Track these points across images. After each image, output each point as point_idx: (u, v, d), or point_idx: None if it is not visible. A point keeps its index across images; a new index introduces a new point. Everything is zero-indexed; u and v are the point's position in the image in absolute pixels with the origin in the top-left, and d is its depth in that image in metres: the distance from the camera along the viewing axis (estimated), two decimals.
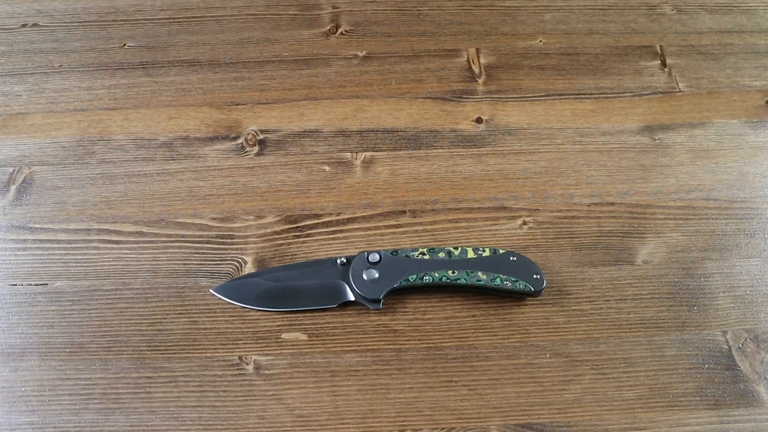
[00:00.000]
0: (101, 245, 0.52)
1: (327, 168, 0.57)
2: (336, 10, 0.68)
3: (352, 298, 0.49)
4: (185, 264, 0.51)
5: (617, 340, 0.48)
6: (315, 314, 0.49)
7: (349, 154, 0.58)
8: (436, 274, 0.49)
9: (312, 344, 0.48)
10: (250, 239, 0.53)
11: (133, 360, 0.47)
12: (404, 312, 0.49)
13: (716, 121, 0.60)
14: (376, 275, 0.49)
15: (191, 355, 0.47)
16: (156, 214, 0.54)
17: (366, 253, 0.50)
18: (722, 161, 0.58)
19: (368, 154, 0.58)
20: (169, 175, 0.56)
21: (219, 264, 0.51)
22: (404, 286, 0.49)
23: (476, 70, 0.63)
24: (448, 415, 0.45)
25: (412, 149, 0.58)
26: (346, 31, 0.66)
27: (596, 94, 0.62)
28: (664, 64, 0.64)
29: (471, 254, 0.49)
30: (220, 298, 0.50)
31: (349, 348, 0.48)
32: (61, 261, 0.52)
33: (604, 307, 0.50)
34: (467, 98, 0.61)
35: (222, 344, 0.48)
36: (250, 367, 0.47)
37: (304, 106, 0.61)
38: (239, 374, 0.47)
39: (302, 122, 0.60)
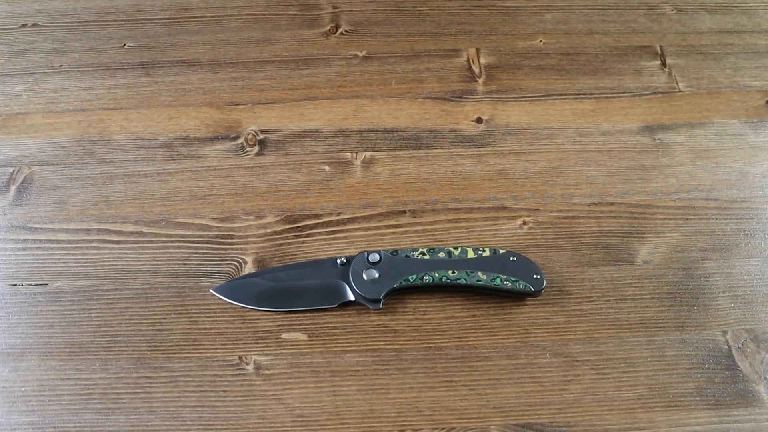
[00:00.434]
0: (101, 245, 0.52)
1: (327, 168, 0.57)
2: (336, 10, 0.68)
3: (352, 298, 0.49)
4: (185, 264, 0.51)
5: (617, 340, 0.48)
6: (315, 314, 0.49)
7: (349, 154, 0.58)
8: (436, 274, 0.49)
9: (312, 344, 0.48)
10: (250, 239, 0.53)
11: (133, 360, 0.47)
12: (404, 312, 0.49)
13: (716, 121, 0.60)
14: (376, 275, 0.49)
15: (191, 355, 0.47)
16: (156, 214, 0.54)
17: (366, 253, 0.50)
18: (722, 161, 0.58)
19: (368, 154, 0.58)
20: (169, 175, 0.56)
21: (219, 264, 0.51)
22: (404, 286, 0.49)
23: (476, 70, 0.63)
24: (448, 415, 0.45)
25: (412, 149, 0.58)
26: (346, 31, 0.66)
27: (596, 94, 0.62)
28: (664, 64, 0.64)
29: (471, 254, 0.49)
30: (220, 298, 0.50)
31: (349, 348, 0.48)
32: (61, 261, 0.52)
33: (604, 307, 0.50)
34: (467, 98, 0.61)
35: (222, 344, 0.48)
36: (250, 367, 0.47)
37: (304, 106, 0.61)
38: (239, 374, 0.47)
39: (302, 122, 0.60)
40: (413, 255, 0.49)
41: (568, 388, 0.46)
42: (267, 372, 0.47)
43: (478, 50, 0.65)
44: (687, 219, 0.54)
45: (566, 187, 0.56)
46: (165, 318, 0.49)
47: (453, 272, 0.49)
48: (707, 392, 0.46)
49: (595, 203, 0.55)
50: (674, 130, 0.60)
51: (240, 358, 0.47)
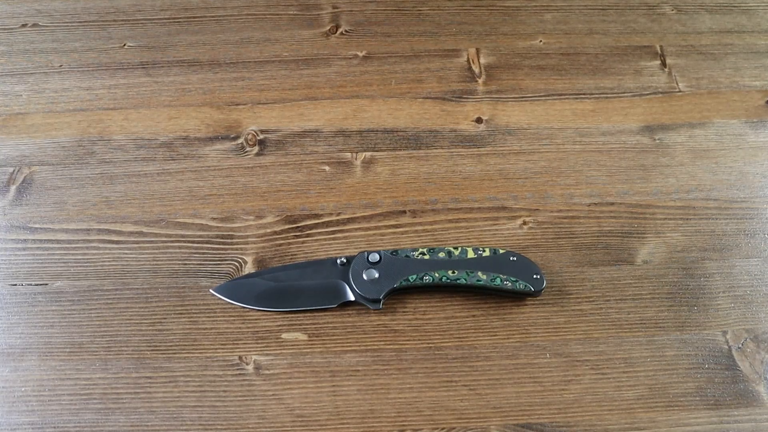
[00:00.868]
0: (101, 245, 0.52)
1: (327, 168, 0.57)
2: (336, 10, 0.68)
3: (352, 298, 0.49)
4: (185, 264, 0.51)
5: (617, 340, 0.48)
6: (315, 314, 0.49)
7: (349, 154, 0.58)
8: (436, 274, 0.49)
9: (312, 344, 0.48)
10: (250, 239, 0.53)
11: (133, 360, 0.47)
12: (404, 312, 0.49)
13: (716, 121, 0.60)
14: (376, 275, 0.49)
15: (191, 355, 0.47)
16: (156, 214, 0.54)
17: (366, 253, 0.50)
18: (722, 161, 0.58)
19: (368, 154, 0.58)
20: (169, 175, 0.56)
21: (219, 264, 0.51)
22: (404, 286, 0.49)
23: (476, 70, 0.63)
24: (448, 415, 0.45)
25: (412, 149, 0.58)
26: (346, 31, 0.66)
27: (596, 94, 0.62)
28: (664, 64, 0.64)
29: (471, 254, 0.49)
30: (220, 298, 0.50)
31: (349, 348, 0.48)
32: (61, 261, 0.52)
33: (604, 307, 0.50)
34: (467, 98, 0.61)
35: (222, 344, 0.48)
36: (250, 367, 0.47)
37: (304, 106, 0.61)
38: (239, 374, 0.47)
39: (302, 122, 0.60)
40: (413, 255, 0.49)
41: (568, 388, 0.46)
42: (267, 372, 0.47)
43: (478, 50, 0.65)
44: (687, 219, 0.54)
45: (566, 187, 0.56)
46: (165, 318, 0.49)
47: (453, 272, 0.49)
48: (707, 392, 0.46)
49: (595, 203, 0.55)
50: (674, 130, 0.60)
51: (240, 358, 0.47)
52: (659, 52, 0.65)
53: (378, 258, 0.49)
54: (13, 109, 0.60)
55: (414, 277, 0.48)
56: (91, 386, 0.46)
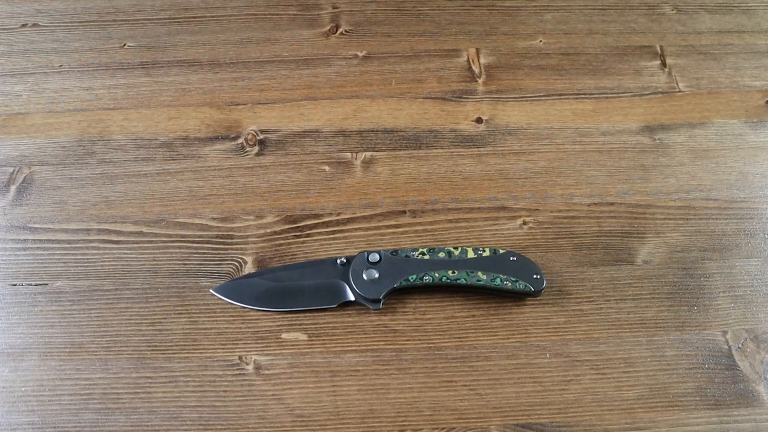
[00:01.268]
0: (101, 245, 0.52)
1: (327, 168, 0.57)
2: (336, 10, 0.68)
3: (352, 298, 0.49)
4: (185, 264, 0.51)
5: (617, 340, 0.48)
6: (315, 314, 0.49)
7: (349, 154, 0.58)
8: (436, 274, 0.49)
9: (312, 344, 0.48)
10: (250, 239, 0.53)
11: (133, 360, 0.47)
12: (404, 312, 0.49)
13: (716, 121, 0.60)
14: (376, 275, 0.49)
15: (191, 355, 0.47)
16: (156, 214, 0.54)
17: (366, 253, 0.50)
18: (722, 161, 0.58)
19: (368, 154, 0.58)
20: (169, 175, 0.56)
21: (219, 264, 0.51)
22: (404, 286, 0.49)
23: (476, 70, 0.63)
24: (448, 415, 0.45)
25: (412, 149, 0.58)
26: (346, 31, 0.66)
27: (596, 94, 0.62)
28: (664, 64, 0.64)
29: (471, 254, 0.49)
30: (220, 298, 0.50)
31: (349, 348, 0.48)
32: (61, 261, 0.52)
33: (604, 307, 0.50)
34: (467, 98, 0.61)
35: (222, 344, 0.48)
36: (250, 367, 0.47)
37: (304, 106, 0.61)
38: (239, 374, 0.47)
39: (302, 122, 0.60)
40: (413, 255, 0.49)
41: (568, 388, 0.46)
42: (267, 372, 0.47)
43: (478, 50, 0.65)
44: (687, 219, 0.54)
45: (566, 187, 0.56)
46: (165, 318, 0.49)
47: (453, 272, 0.49)
48: (707, 392, 0.46)
49: (595, 203, 0.55)
50: (674, 130, 0.60)
51: (240, 358, 0.47)
52: (659, 52, 0.65)
53: (378, 258, 0.49)
54: (13, 109, 0.60)
55: (414, 277, 0.48)
56: (91, 386, 0.46)
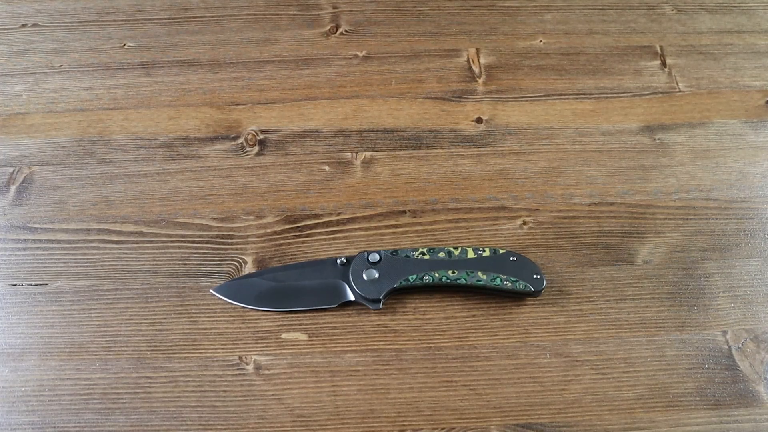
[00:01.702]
0: (101, 245, 0.52)
1: (327, 168, 0.57)
2: (336, 10, 0.68)
3: (352, 298, 0.49)
4: (185, 264, 0.51)
5: (617, 340, 0.48)
6: (315, 314, 0.49)
7: (349, 154, 0.58)
8: (436, 274, 0.49)
9: (312, 344, 0.48)
10: (250, 239, 0.53)
11: (133, 360, 0.47)
12: (404, 312, 0.49)
13: (716, 121, 0.60)
14: (376, 275, 0.49)
15: (191, 355, 0.47)
16: (156, 214, 0.54)
17: (366, 253, 0.50)
18: (722, 161, 0.58)
19: (368, 154, 0.58)
20: (169, 175, 0.56)
21: (219, 264, 0.51)
22: (404, 286, 0.49)
23: (476, 70, 0.63)
24: (448, 415, 0.45)
25: (412, 149, 0.58)
26: (346, 31, 0.66)
27: (596, 94, 0.62)
28: (664, 64, 0.64)
29: (471, 254, 0.49)
30: (220, 298, 0.50)
31: (349, 348, 0.48)
32: (61, 261, 0.52)
33: (604, 307, 0.50)
34: (467, 98, 0.61)
35: (222, 344, 0.48)
36: (250, 367, 0.47)
37: (304, 106, 0.61)
38: (239, 374, 0.47)
39: (302, 122, 0.60)
40: (413, 255, 0.49)
41: (568, 388, 0.46)
42: (267, 372, 0.47)
43: (478, 50, 0.65)
44: (687, 219, 0.54)
45: (566, 187, 0.56)
46: (165, 318, 0.49)
47: (453, 272, 0.49)
48: (707, 392, 0.46)
49: (595, 203, 0.55)
50: (674, 130, 0.60)
51: (240, 358, 0.47)
52: (659, 52, 0.65)
53: (378, 258, 0.49)
54: (13, 109, 0.60)
55: (414, 277, 0.48)
56: (91, 386, 0.46)
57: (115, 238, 0.53)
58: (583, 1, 0.69)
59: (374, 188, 0.56)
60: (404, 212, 0.54)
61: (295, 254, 0.52)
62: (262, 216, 0.54)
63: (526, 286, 0.48)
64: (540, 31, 0.67)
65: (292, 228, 0.53)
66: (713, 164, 0.57)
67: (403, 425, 0.45)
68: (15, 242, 0.53)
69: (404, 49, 0.65)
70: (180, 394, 0.46)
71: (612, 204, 0.55)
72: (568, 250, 0.52)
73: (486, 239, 0.53)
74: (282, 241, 0.53)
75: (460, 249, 0.50)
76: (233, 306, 0.49)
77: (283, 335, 0.48)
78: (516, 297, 0.50)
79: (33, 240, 0.53)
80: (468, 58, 0.64)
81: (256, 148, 0.58)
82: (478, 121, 0.60)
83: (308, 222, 0.54)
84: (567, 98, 0.62)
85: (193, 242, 0.53)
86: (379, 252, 0.50)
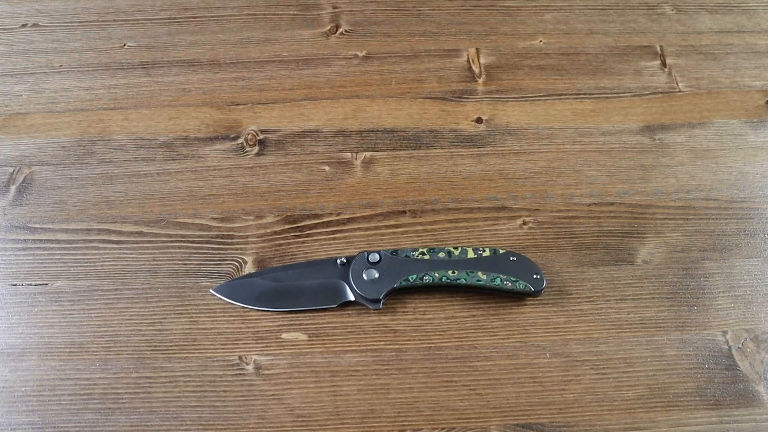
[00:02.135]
0: (101, 245, 0.52)
1: (327, 168, 0.57)
2: (336, 10, 0.68)
3: (352, 298, 0.49)
4: (185, 264, 0.51)
5: (617, 340, 0.48)
6: (315, 314, 0.49)
7: (349, 154, 0.58)
8: (436, 274, 0.49)
9: (312, 344, 0.48)
10: (250, 239, 0.53)
11: (133, 360, 0.47)
12: (404, 312, 0.49)
13: (716, 121, 0.60)
14: (376, 275, 0.49)
15: (191, 355, 0.47)
16: (156, 214, 0.54)
17: (366, 253, 0.50)
18: (722, 161, 0.58)
19: (368, 154, 0.58)
20: (169, 175, 0.56)
21: (219, 264, 0.51)
22: (404, 286, 0.49)
23: (476, 70, 0.63)
24: (448, 415, 0.45)
25: (412, 149, 0.58)
26: (346, 31, 0.66)
27: (596, 94, 0.62)
28: (664, 64, 0.64)
29: (471, 254, 0.49)
30: (220, 298, 0.50)
31: (349, 348, 0.48)
32: (61, 261, 0.52)
33: (604, 307, 0.50)
34: (467, 98, 0.61)
35: (222, 344, 0.48)
36: (250, 367, 0.47)
37: (304, 106, 0.61)
38: (239, 374, 0.47)
39: (302, 122, 0.60)
40: (413, 255, 0.49)
41: (568, 388, 0.46)
42: (267, 372, 0.47)
43: (478, 50, 0.65)
44: (687, 219, 0.54)
45: (566, 187, 0.56)
46: (165, 318, 0.49)
47: (453, 272, 0.49)
48: (707, 392, 0.46)
49: (595, 203, 0.55)
50: (674, 130, 0.60)
51: (240, 358, 0.47)
52: (659, 52, 0.65)
53: (378, 258, 0.49)
54: (13, 109, 0.60)
55: (414, 277, 0.48)
56: (91, 386, 0.46)
57: (115, 238, 0.53)
58: (583, 1, 0.69)
59: (374, 188, 0.56)
60: (404, 212, 0.54)
61: (295, 254, 0.52)
62: (262, 216, 0.54)
63: (526, 286, 0.48)
64: (540, 31, 0.67)
65: (292, 228, 0.53)
66: (713, 164, 0.57)
67: (403, 425, 0.45)
68: (15, 242, 0.53)
69: (404, 49, 0.65)
70: (180, 394, 0.46)
71: (612, 204, 0.55)
72: (568, 250, 0.52)
73: (486, 239, 0.53)
74: (282, 241, 0.53)
75: (460, 249, 0.50)
76: (233, 306, 0.49)
77: (283, 335, 0.48)
78: (516, 297, 0.50)
79: (33, 240, 0.53)
80: (468, 58, 0.64)
81: (256, 148, 0.58)
82: (478, 121, 0.60)
83: (308, 222, 0.54)
84: (567, 98, 0.62)
85: (193, 242, 0.53)
86: (379, 252, 0.50)
